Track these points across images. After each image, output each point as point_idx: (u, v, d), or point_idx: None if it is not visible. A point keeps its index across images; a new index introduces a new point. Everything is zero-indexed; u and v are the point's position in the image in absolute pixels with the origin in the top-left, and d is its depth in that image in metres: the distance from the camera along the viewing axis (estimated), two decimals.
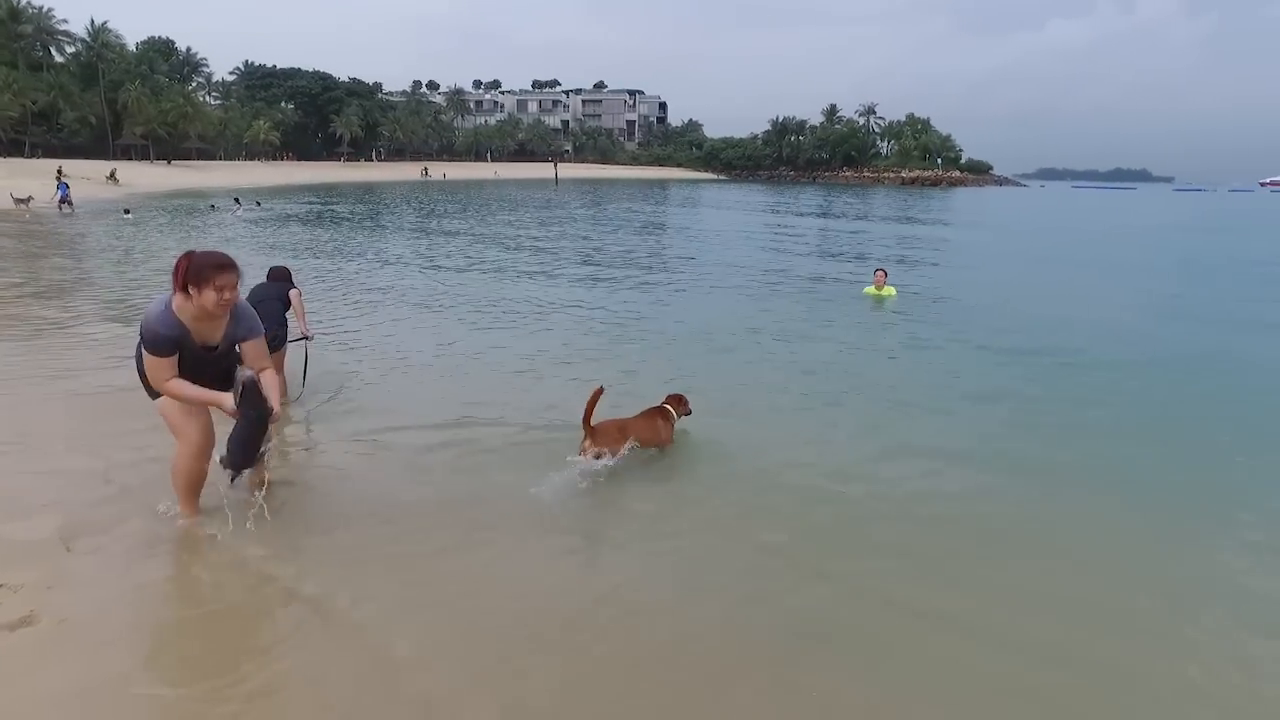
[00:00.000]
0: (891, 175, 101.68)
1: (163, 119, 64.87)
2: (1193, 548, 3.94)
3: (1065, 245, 24.00)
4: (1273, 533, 4.08)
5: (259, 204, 32.87)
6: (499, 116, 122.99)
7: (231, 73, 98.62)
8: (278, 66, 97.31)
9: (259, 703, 2.61)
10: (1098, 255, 20.69)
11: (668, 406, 5.10)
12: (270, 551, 3.57)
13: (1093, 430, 5.75)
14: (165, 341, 3.39)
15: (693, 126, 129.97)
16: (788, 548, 3.80)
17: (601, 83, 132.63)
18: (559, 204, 39.23)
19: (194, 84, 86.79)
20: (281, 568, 3.45)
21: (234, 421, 3.54)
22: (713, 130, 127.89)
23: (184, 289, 3.37)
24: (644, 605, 3.31)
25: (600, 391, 4.62)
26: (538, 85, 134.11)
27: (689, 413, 5.21)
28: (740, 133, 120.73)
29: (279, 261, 9.07)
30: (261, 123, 78.45)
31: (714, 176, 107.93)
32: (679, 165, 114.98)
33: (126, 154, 64.39)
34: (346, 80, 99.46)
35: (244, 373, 3.49)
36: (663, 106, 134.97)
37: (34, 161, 49.08)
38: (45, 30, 65.63)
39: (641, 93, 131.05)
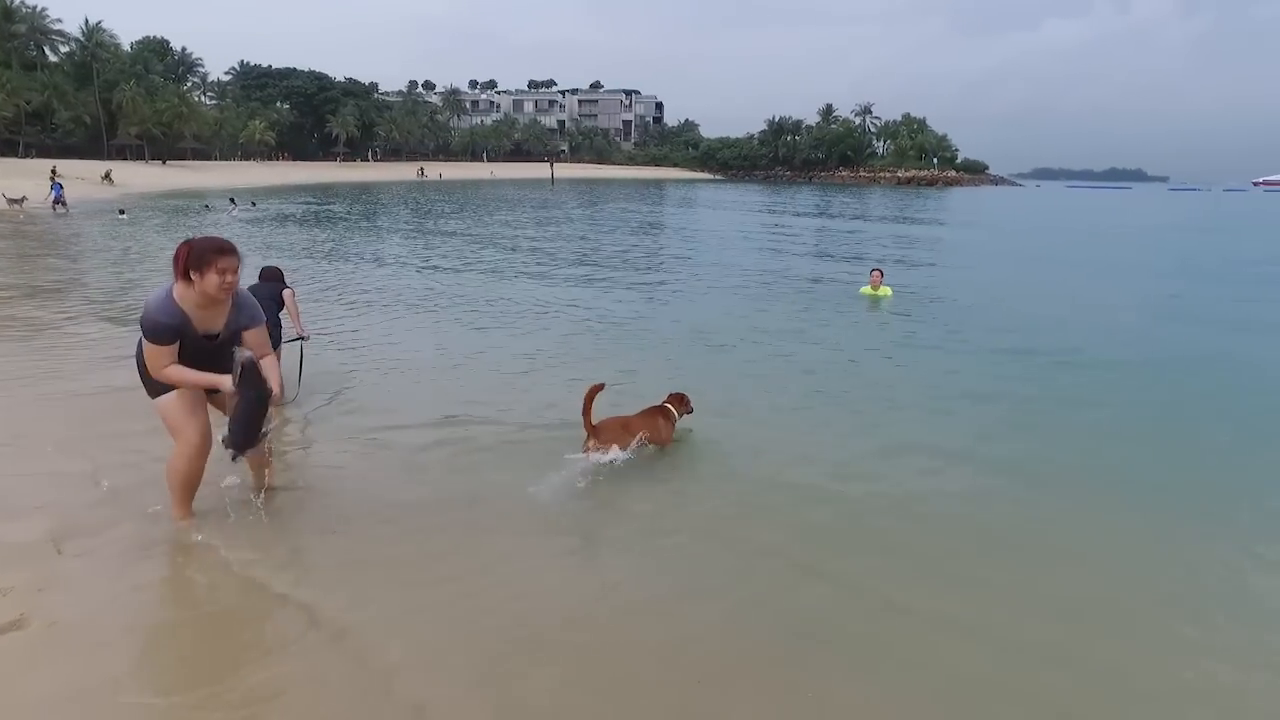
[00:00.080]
0: (887, 175, 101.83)
1: (158, 119, 64.59)
2: (1192, 548, 3.93)
3: (1061, 245, 24.08)
4: (1272, 533, 4.08)
5: (254, 204, 32.78)
6: (495, 116, 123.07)
7: (227, 73, 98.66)
8: (273, 66, 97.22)
9: (253, 709, 2.57)
10: (1093, 255, 20.75)
11: (669, 405, 5.08)
12: (265, 554, 3.54)
13: (1091, 430, 5.75)
14: (165, 329, 3.39)
15: (689, 126, 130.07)
16: (787, 547, 3.79)
17: (598, 83, 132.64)
18: (555, 204, 39.20)
19: (189, 84, 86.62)
20: (277, 570, 3.42)
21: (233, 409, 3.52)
22: (709, 130, 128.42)
23: (185, 275, 3.37)
24: (642, 604, 3.30)
25: (599, 388, 4.60)
26: (534, 85, 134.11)
27: (690, 411, 5.20)
28: (736, 133, 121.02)
29: (273, 262, 9.03)
30: (257, 123, 78.27)
31: (710, 176, 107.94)
32: (675, 165, 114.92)
33: (121, 154, 64.20)
34: (342, 80, 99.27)
35: (242, 353, 3.48)
36: (659, 106, 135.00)
37: (28, 161, 48.90)
38: (39, 30, 65.43)
39: (638, 93, 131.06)
